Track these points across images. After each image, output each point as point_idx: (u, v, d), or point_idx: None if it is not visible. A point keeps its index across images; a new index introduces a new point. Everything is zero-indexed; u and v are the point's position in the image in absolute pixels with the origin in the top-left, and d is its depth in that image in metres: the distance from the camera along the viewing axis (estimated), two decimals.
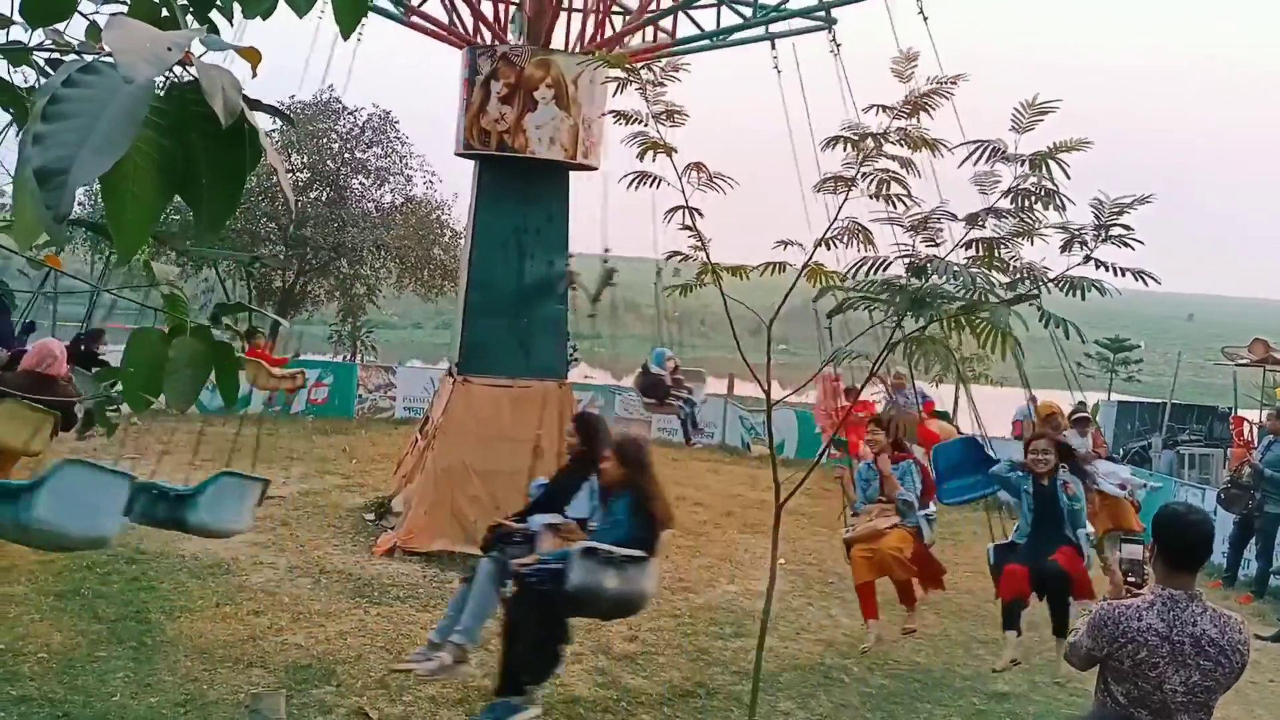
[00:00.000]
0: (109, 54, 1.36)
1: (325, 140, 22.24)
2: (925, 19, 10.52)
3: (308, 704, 6.16)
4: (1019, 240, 5.29)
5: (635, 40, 11.85)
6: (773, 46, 12.85)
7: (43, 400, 6.81)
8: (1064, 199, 5.22)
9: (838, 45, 11.46)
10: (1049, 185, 5.16)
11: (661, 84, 5.00)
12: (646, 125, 5.10)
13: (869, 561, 7.69)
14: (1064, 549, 7.11)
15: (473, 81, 10.28)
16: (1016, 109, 5.24)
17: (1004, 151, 5.21)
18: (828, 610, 9.19)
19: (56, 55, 1.83)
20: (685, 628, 8.29)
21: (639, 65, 5.07)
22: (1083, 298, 5.13)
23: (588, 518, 6.37)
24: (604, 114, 5.78)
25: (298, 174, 21.56)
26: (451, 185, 27.18)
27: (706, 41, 12.34)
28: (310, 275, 22.98)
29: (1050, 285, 5.23)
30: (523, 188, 10.67)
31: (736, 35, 12.43)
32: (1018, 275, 5.31)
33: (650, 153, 5.12)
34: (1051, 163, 5.10)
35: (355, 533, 10.45)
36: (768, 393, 5.53)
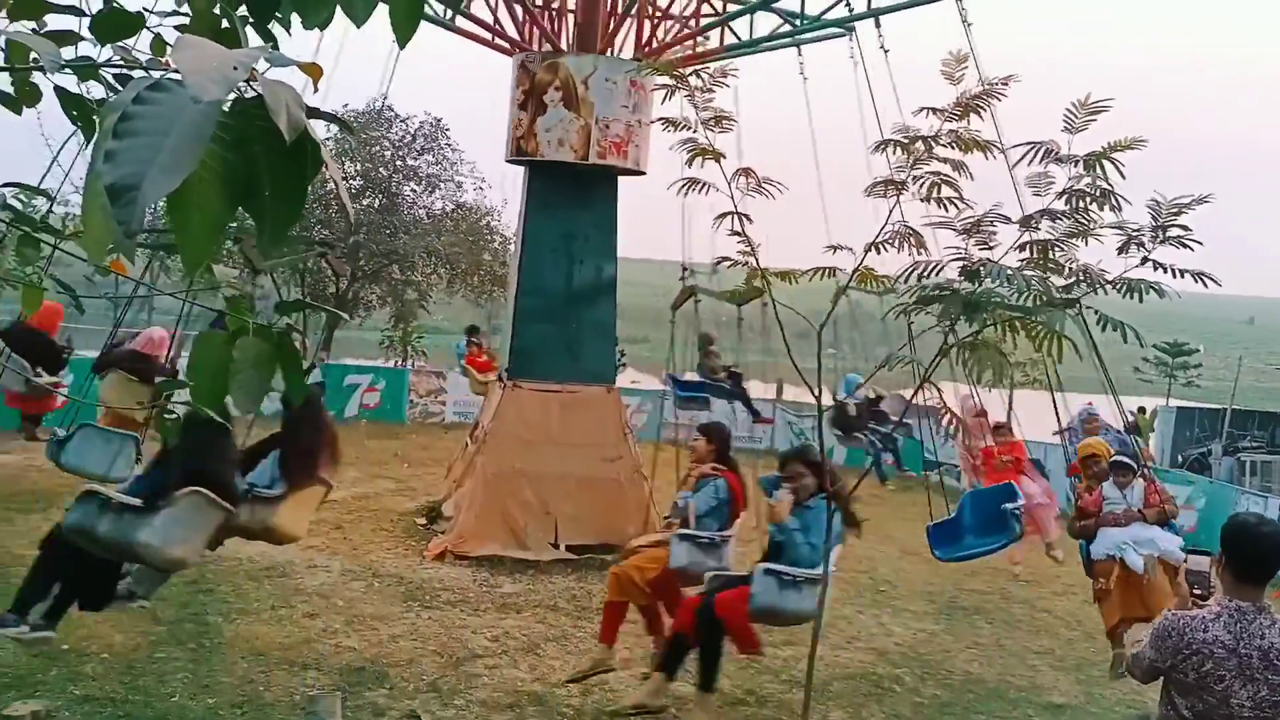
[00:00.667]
0: (176, 71, 1.40)
1: (378, 148, 22.53)
2: (968, 25, 10.36)
3: (361, 706, 6.23)
4: (1074, 242, 5.21)
5: (677, 48, 11.88)
6: (799, 53, 12.92)
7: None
8: (1120, 199, 5.14)
9: (885, 50, 11.34)
10: (1104, 185, 5.08)
11: (710, 90, 5.01)
12: (695, 131, 5.11)
13: (613, 579, 6.90)
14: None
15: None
16: (1069, 109, 5.17)
17: (1057, 152, 5.14)
18: (879, 618, 9.10)
19: (125, 71, 1.88)
20: None
21: (688, 72, 5.08)
22: (1140, 300, 5.04)
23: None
24: (652, 121, 5.78)
25: (350, 181, 21.86)
26: (501, 191, 27.38)
27: (741, 48, 12.39)
28: (362, 281, 23.27)
29: (1107, 287, 5.14)
30: (572, 193, 10.74)
31: (766, 42, 12.47)
32: (1073, 278, 5.23)
33: (699, 158, 5.12)
34: (1106, 163, 5.02)
35: (407, 537, 10.56)
36: (818, 398, 5.49)
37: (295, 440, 6.37)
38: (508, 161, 11.02)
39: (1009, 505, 8.04)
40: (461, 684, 6.72)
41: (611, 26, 11.05)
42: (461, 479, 11.02)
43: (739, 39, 12.27)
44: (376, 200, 22.47)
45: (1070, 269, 5.21)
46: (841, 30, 11.80)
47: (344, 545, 10.00)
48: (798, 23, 12.13)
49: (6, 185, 3.09)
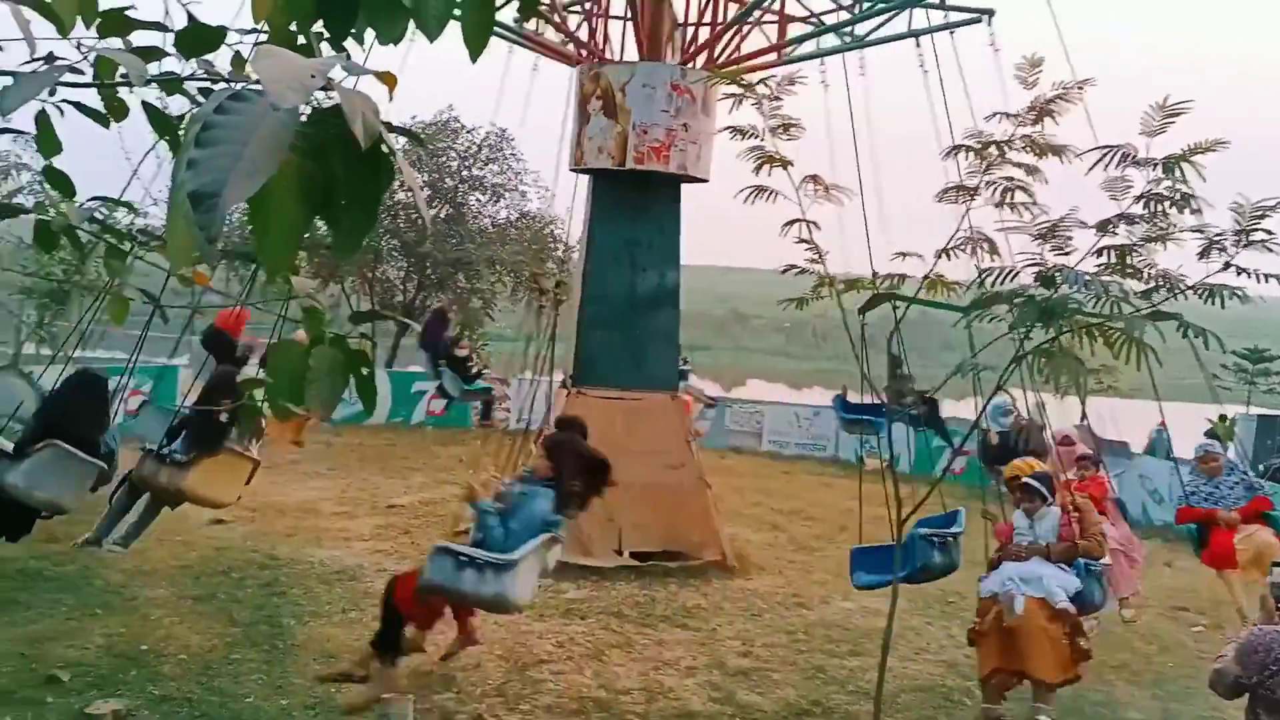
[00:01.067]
0: (256, 82, 1.42)
1: (444, 159, 22.84)
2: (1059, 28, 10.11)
3: (429, 710, 6.29)
4: (1153, 246, 5.09)
5: (759, 45, 11.76)
6: (918, 44, 12.23)
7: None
8: (1200, 202, 5.00)
9: (984, 49, 11.02)
10: (1183, 189, 4.95)
11: (778, 98, 4.98)
12: (763, 139, 5.08)
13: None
14: None
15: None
16: (1146, 112, 5.05)
17: (1134, 156, 5.03)
18: (948, 630, 8.94)
19: (208, 84, 1.92)
20: (800, 644, 8.18)
21: (755, 80, 5.06)
22: (1222, 305, 4.90)
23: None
24: (720, 130, 5.78)
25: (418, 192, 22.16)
26: (565, 200, 27.56)
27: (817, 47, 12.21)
28: (429, 290, 23.59)
29: (1187, 293, 5.01)
30: (635, 201, 10.77)
31: (825, 44, 12.23)
32: (1152, 283, 5.11)
33: (766, 166, 5.09)
34: (1185, 165, 4.89)
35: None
36: (885, 406, 5.42)
37: (205, 413, 7.55)
38: (571, 170, 11.10)
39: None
40: (527, 689, 6.75)
41: (688, 36, 11.10)
42: None
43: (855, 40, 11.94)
44: (443, 210, 22.77)
45: (1149, 274, 5.09)
46: (974, 18, 11.27)
47: (412, 550, 10.11)
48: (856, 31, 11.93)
49: (92, 200, 3.18)
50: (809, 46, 12.18)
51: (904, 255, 5.25)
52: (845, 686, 7.32)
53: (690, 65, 10.90)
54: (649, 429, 10.46)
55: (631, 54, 11.28)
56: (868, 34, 11.90)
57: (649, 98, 10.36)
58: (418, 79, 11.05)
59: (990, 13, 11.08)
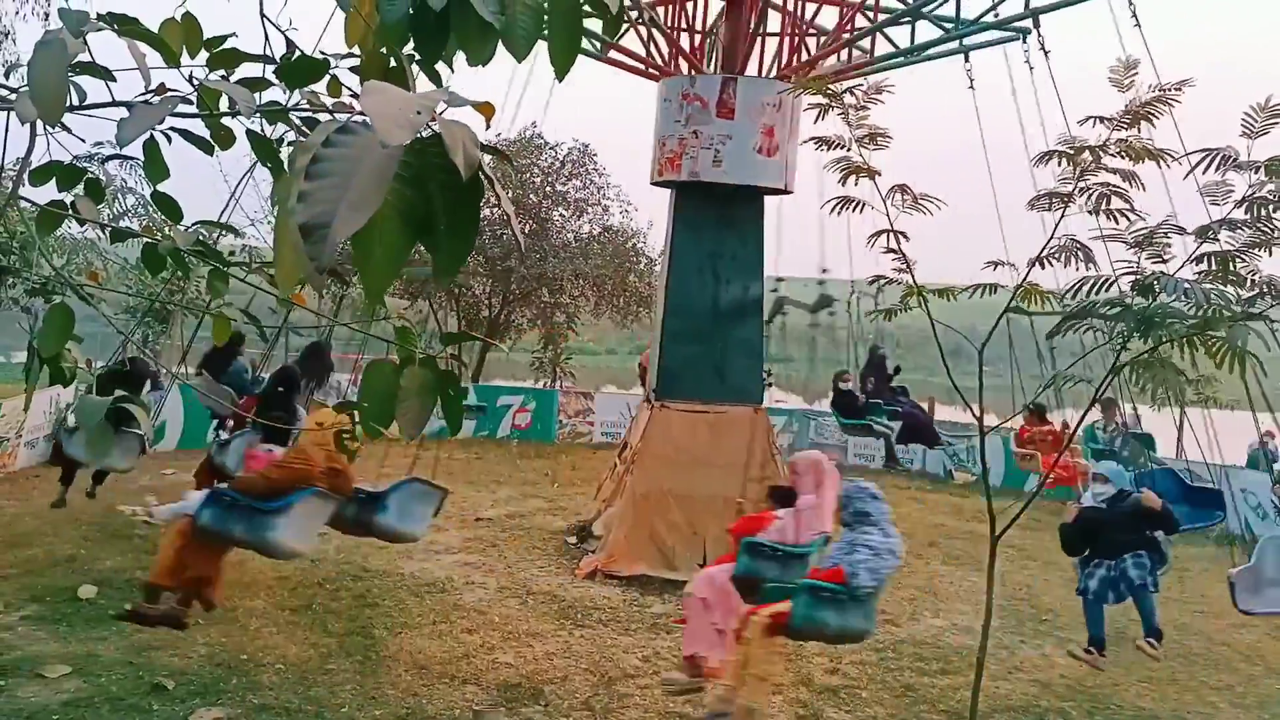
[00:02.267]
0: (361, 114, 1.47)
1: (528, 175, 23.12)
2: (1138, 25, 9.83)
3: None
4: (1256, 252, 4.90)
5: (829, 61, 11.71)
6: (966, 59, 12.25)
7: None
8: None
9: (1046, 51, 10.84)
10: None
11: (865, 107, 4.93)
12: (850, 149, 5.04)
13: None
14: None
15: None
16: (1247, 113, 4.88)
17: (1235, 158, 4.86)
18: (1042, 649, 8.71)
19: (310, 114, 1.98)
20: (889, 662, 8.04)
21: (841, 89, 5.02)
22: None
23: None
24: (805, 141, 5.74)
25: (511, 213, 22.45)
26: (647, 213, 27.68)
27: (901, 59, 11.98)
28: (513, 305, 23.87)
29: None
30: (718, 213, 10.77)
31: (931, 50, 11.99)
32: (1256, 290, 4.92)
33: (853, 177, 5.04)
34: None
35: (558, 555, 10.73)
36: (980, 419, 5.32)
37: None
38: (653, 184, 11.14)
39: None
40: (614, 703, 6.77)
41: (756, 45, 11.07)
42: (611, 499, 11.13)
43: (896, 47, 11.89)
44: (527, 225, 23.03)
45: (1253, 281, 4.90)
46: (1013, 34, 11.27)
47: (499, 563, 10.24)
48: (952, 28, 11.71)
49: (196, 224, 3.31)
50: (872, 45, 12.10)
51: (995, 264, 5.14)
52: (936, 706, 7.18)
53: (765, 75, 10.88)
54: (732, 442, 10.41)
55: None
56: (920, 46, 11.74)
57: (665, 109, 10.62)
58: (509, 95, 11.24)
59: (1027, 31, 10.96)
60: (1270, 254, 4.93)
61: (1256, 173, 4.83)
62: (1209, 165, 4.93)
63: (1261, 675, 8.37)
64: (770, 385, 18.13)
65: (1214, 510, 9.22)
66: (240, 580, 8.58)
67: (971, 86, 11.84)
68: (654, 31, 11.52)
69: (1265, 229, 4.86)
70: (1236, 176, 4.95)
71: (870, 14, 11.48)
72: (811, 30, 11.98)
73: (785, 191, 10.73)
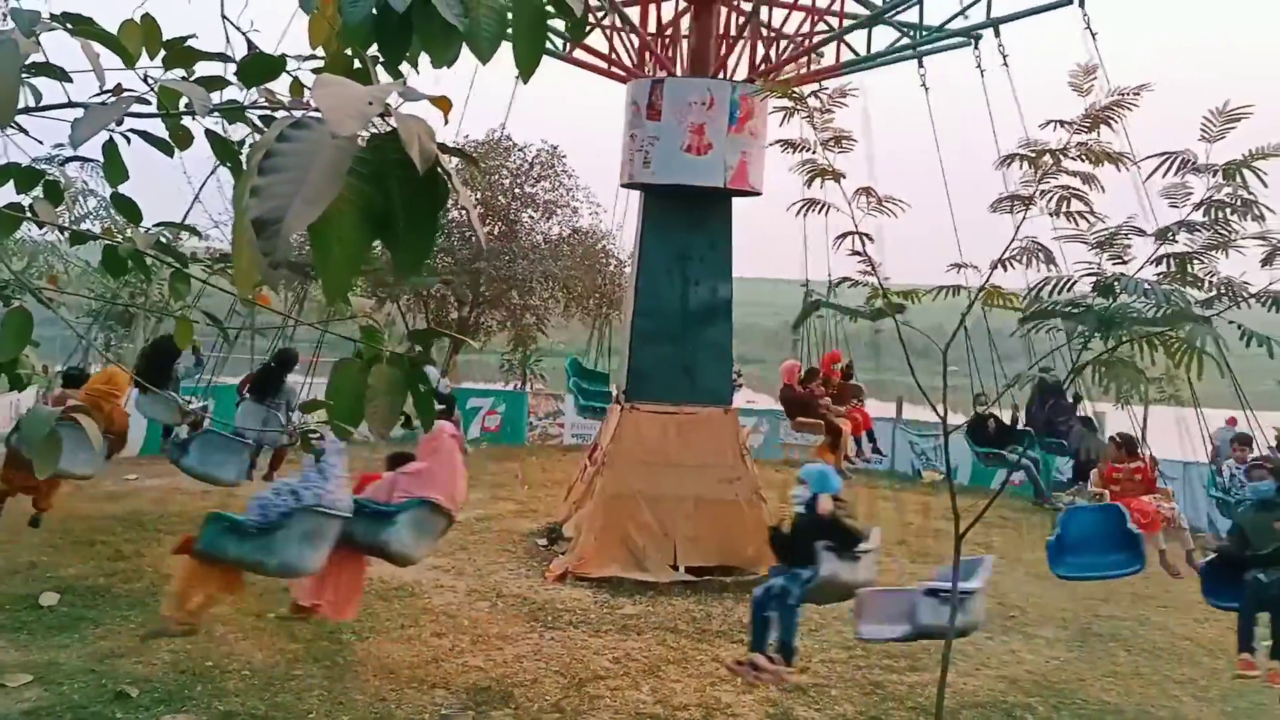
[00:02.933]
0: (316, 110, 1.46)
1: (496, 176, 23.05)
2: (1094, 35, 9.92)
3: None
4: (1214, 254, 4.98)
5: (790, 66, 11.78)
6: (920, 65, 12.35)
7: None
8: (1263, 208, 4.90)
9: (1005, 55, 10.95)
10: (1245, 195, 4.85)
11: (830, 111, 4.97)
12: (814, 152, 5.07)
13: None
14: None
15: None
16: (1206, 118, 4.96)
17: (1194, 162, 4.94)
18: (1009, 645, 8.79)
19: (269, 112, 1.97)
20: (857, 660, 8.08)
21: (807, 93, 5.05)
22: None
23: None
24: (771, 143, 5.76)
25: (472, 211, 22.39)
26: (615, 215, 27.66)
27: (863, 64, 12.10)
28: (482, 307, 23.79)
29: (1250, 301, 4.90)
30: (686, 215, 10.80)
31: (889, 56, 12.11)
32: (1214, 291, 5.00)
33: (818, 179, 5.08)
34: (1246, 171, 4.80)
35: (529, 557, 10.70)
36: (944, 418, 5.37)
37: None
38: (623, 186, 11.16)
39: None
40: (584, 705, 6.76)
41: (724, 49, 11.11)
42: (581, 500, 11.12)
43: (856, 54, 12.03)
44: (495, 227, 22.96)
45: (1211, 282, 4.98)
46: (965, 40, 11.43)
47: (469, 565, 10.19)
48: (916, 35, 11.82)
49: (157, 225, 3.27)
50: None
51: (959, 266, 5.20)
52: (904, 703, 7.23)
53: (751, 79, 10.91)
54: (702, 443, 10.44)
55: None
56: (879, 54, 11.89)
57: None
58: (474, 98, 11.19)
59: (979, 37, 11.12)
60: (1227, 256, 5.02)
61: (1215, 176, 4.91)
62: (1168, 169, 5.00)
63: (1224, 669, 8.47)
64: (740, 386, 18.18)
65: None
66: None
67: (924, 85, 12.03)
68: (619, 33, 11.53)
69: (1223, 231, 4.95)
70: (1195, 180, 5.03)
71: (835, 19, 11.58)
72: (774, 35, 12.02)
73: (754, 193, 10.77)
